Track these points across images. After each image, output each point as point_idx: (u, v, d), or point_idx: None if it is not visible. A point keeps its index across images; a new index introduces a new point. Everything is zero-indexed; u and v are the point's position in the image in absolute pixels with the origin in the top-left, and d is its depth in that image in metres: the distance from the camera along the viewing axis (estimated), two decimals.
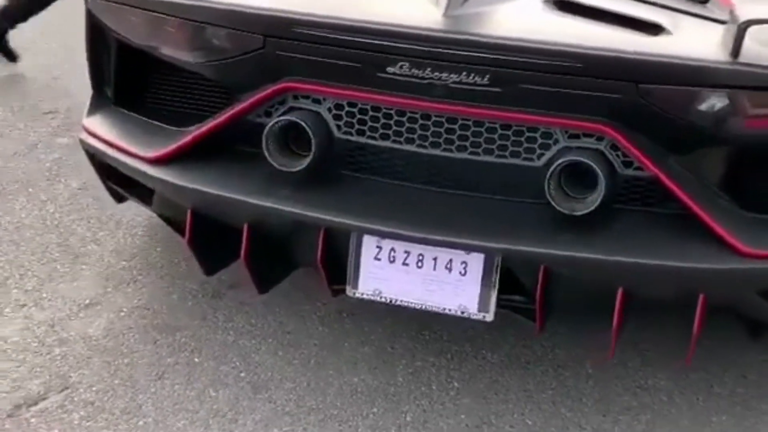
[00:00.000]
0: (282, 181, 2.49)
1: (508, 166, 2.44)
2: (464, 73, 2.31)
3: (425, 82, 2.34)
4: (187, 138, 2.56)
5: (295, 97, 2.53)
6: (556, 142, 2.41)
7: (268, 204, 2.44)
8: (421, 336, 2.94)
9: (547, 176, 2.33)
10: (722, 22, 2.45)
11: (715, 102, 2.29)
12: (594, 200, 2.31)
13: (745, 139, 2.37)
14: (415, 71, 2.33)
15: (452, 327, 2.93)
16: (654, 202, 2.41)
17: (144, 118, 2.78)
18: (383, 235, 2.43)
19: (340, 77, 2.42)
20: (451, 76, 2.32)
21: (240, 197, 2.47)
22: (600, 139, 2.38)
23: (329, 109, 2.51)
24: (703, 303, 2.38)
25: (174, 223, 2.88)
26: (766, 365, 2.88)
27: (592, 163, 2.29)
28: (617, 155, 2.39)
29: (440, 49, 2.31)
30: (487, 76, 2.30)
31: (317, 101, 2.52)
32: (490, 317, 2.48)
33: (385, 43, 2.33)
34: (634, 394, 2.73)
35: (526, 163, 2.42)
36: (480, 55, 2.29)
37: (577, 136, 2.39)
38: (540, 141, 2.42)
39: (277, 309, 3.03)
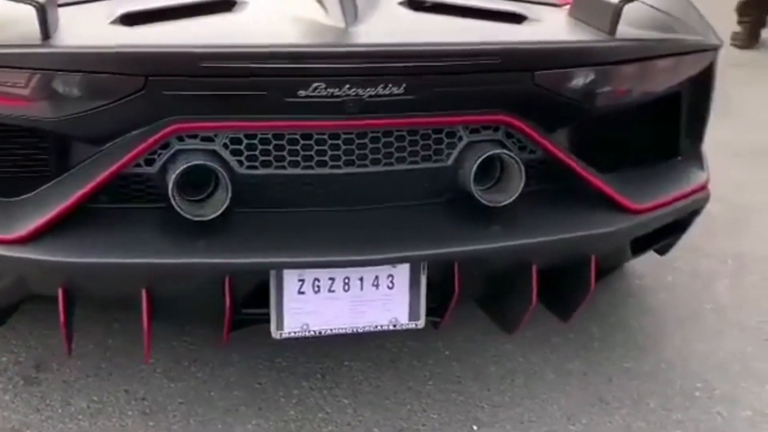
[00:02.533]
0: (187, 232, 2.30)
1: (420, 172, 2.44)
2: (381, 85, 2.27)
3: (340, 100, 2.28)
4: (62, 205, 2.23)
5: (180, 139, 2.33)
6: (461, 139, 2.47)
7: (190, 260, 2.25)
8: (277, 363, 2.92)
9: (471, 172, 2.37)
10: (553, 5, 2.67)
11: (596, 78, 2.47)
12: (516, 188, 2.40)
13: (614, 108, 2.59)
14: (331, 90, 2.25)
15: (303, 347, 2.93)
16: (549, 180, 2.56)
17: None
18: (306, 266, 2.36)
19: (241, 109, 2.27)
20: (368, 90, 2.27)
21: (151, 260, 2.24)
22: (496, 129, 2.48)
23: (225, 146, 2.34)
24: (595, 264, 2.59)
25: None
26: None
27: (511, 154, 2.39)
28: (513, 142, 2.51)
29: (358, 64, 2.25)
30: (404, 85, 2.28)
31: (208, 139, 2.34)
32: (421, 324, 2.51)
33: (301, 65, 2.22)
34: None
35: (437, 165, 2.44)
36: (399, 65, 2.27)
37: (477, 131, 2.48)
38: (446, 141, 2.46)
39: (107, 378, 2.82)
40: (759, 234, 3.98)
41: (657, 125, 2.83)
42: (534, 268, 2.52)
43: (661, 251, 3.08)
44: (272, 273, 2.37)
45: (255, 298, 2.44)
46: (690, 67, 2.69)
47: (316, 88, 2.25)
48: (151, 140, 2.26)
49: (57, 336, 2.87)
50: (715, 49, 2.75)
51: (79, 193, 2.24)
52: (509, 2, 2.67)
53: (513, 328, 2.69)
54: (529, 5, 2.67)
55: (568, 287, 2.64)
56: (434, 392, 2.86)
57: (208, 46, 2.18)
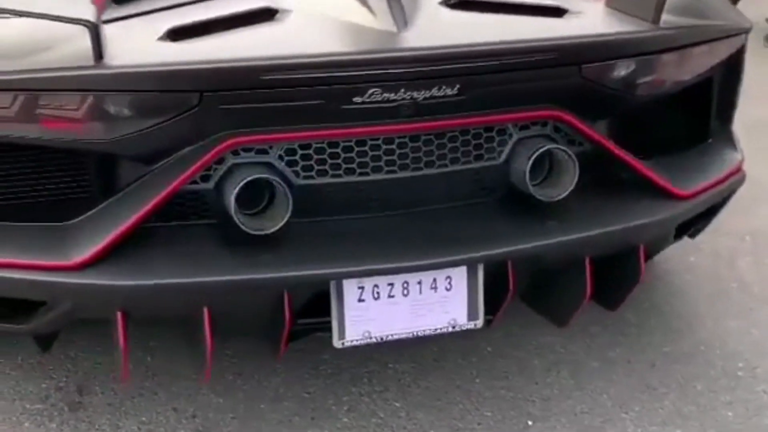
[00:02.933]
0: (245, 247, 2.28)
1: (472, 171, 2.46)
2: (435, 88, 2.27)
3: (396, 104, 2.26)
4: (122, 227, 2.19)
5: (235, 153, 2.30)
6: (511, 136, 2.47)
7: (253, 276, 2.22)
8: (323, 371, 2.89)
9: (525, 168, 2.38)
10: None
11: (640, 67, 2.49)
12: (570, 182, 2.42)
13: (654, 96, 2.60)
14: (387, 95, 2.24)
15: (345, 353, 2.77)
16: (597, 172, 2.57)
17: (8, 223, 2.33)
18: (366, 275, 2.34)
19: (298, 119, 2.25)
20: (422, 93, 2.27)
21: (214, 278, 2.20)
22: (545, 124, 2.49)
23: (280, 157, 2.32)
24: (644, 252, 2.63)
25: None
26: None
27: (564, 148, 2.40)
28: (561, 136, 2.52)
29: (414, 68, 2.24)
30: (457, 85, 2.28)
31: (263, 152, 2.32)
32: (480, 323, 2.51)
33: (359, 72, 2.21)
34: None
35: (488, 163, 2.45)
36: (451, 66, 2.26)
37: (526, 127, 2.48)
38: (497, 139, 2.47)
39: (153, 398, 2.77)
40: None
41: (689, 110, 2.85)
42: (587, 261, 2.54)
43: (693, 234, 3.12)
44: (332, 283, 2.35)
45: (312, 308, 2.43)
46: (724, 51, 2.71)
47: (372, 94, 2.24)
48: (208, 156, 2.23)
49: (94, 358, 2.94)
50: (746, 32, 2.78)
51: (139, 213, 2.21)
52: None
53: (565, 321, 2.69)
54: None
55: (617, 277, 2.66)
56: (483, 390, 2.87)
57: (267, 58, 2.16)
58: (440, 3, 2.54)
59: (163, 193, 2.22)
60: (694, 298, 3.37)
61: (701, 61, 2.65)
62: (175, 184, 2.22)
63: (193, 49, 2.22)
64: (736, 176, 2.81)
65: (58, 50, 2.18)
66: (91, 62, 2.11)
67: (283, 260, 2.29)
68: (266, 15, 2.40)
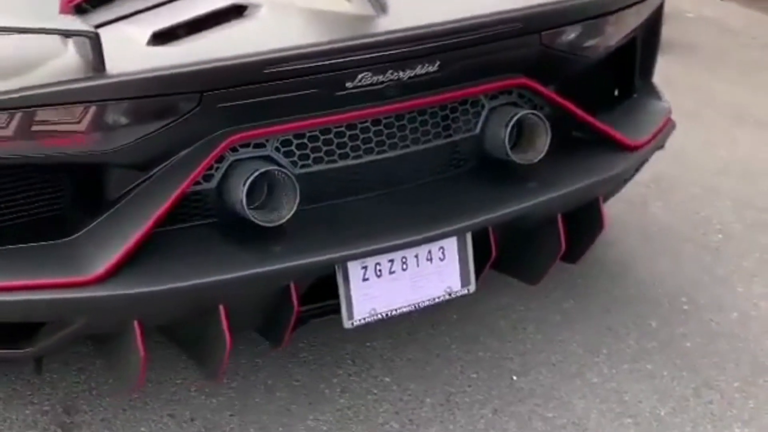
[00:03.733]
0: (251, 240, 2.32)
1: (453, 144, 2.58)
2: (419, 66, 2.37)
3: (383, 86, 2.35)
4: (137, 234, 2.18)
5: (233, 150, 2.32)
6: (483, 107, 2.60)
7: (269, 267, 2.26)
8: (303, 357, 2.91)
9: (505, 135, 2.52)
10: None
11: (591, 30, 2.66)
12: (544, 144, 2.57)
13: (596, 56, 2.77)
14: (376, 78, 2.33)
15: (318, 337, 2.96)
16: (559, 132, 2.71)
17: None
18: (370, 255, 2.41)
19: (294, 109, 2.31)
20: (407, 72, 2.36)
21: (231, 274, 2.23)
22: (510, 92, 2.63)
23: (277, 149, 2.37)
24: (601, 201, 2.83)
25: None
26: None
27: (538, 113, 2.55)
28: (525, 101, 2.66)
29: (400, 49, 2.33)
30: (437, 62, 2.39)
31: (260, 146, 2.36)
32: (473, 288, 2.62)
33: (349, 58, 2.28)
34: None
35: (467, 134, 2.58)
36: (433, 44, 2.36)
37: (495, 96, 2.61)
38: (472, 111, 2.59)
39: (145, 408, 2.74)
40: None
41: (617, 68, 3.05)
42: (560, 218, 2.70)
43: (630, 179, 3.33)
44: (338, 267, 2.42)
45: (314, 294, 2.50)
46: (650, 8, 2.92)
47: (362, 78, 2.32)
48: (211, 155, 2.25)
49: (69, 378, 2.87)
50: None
51: (150, 220, 2.21)
52: None
53: (538, 279, 2.84)
54: None
55: (580, 229, 2.82)
56: (461, 354, 3.00)
57: (266, 53, 2.20)
58: None
59: (172, 197, 2.23)
60: (625, 245, 3.59)
61: (635, 19, 2.84)
62: (182, 187, 2.24)
63: (186, 51, 2.24)
64: (670, 124, 3.04)
65: (50, 64, 2.15)
66: (92, 73, 2.11)
67: (293, 249, 2.34)
68: (237, 11, 2.44)
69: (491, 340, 3.07)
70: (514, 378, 2.91)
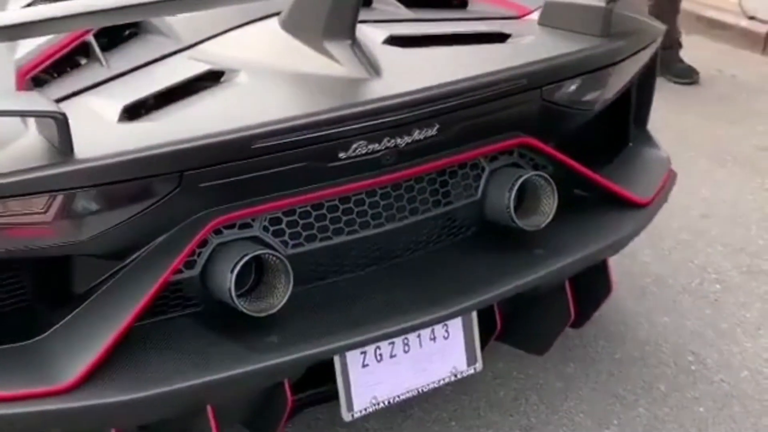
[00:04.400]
0: (240, 333, 2.08)
1: (453, 212, 2.37)
2: (417, 131, 2.18)
3: (380, 154, 2.15)
4: (113, 334, 1.93)
5: (217, 232, 2.09)
6: (483, 169, 2.40)
7: (259, 365, 2.01)
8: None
9: (509, 199, 2.32)
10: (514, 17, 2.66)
11: (594, 82, 2.48)
12: (551, 207, 2.38)
13: (600, 108, 2.61)
14: (372, 146, 2.13)
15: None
16: (563, 192, 2.51)
17: None
18: (369, 343, 2.19)
19: (284, 185, 2.09)
20: (405, 138, 2.17)
21: (223, 374, 1.98)
22: (511, 153, 2.44)
23: (265, 229, 2.14)
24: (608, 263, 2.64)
25: None
26: None
27: (542, 174, 2.36)
28: (527, 161, 2.47)
29: (398, 115, 2.13)
30: (436, 125, 2.20)
31: (246, 226, 2.13)
32: (479, 366, 2.41)
33: (342, 128, 2.07)
34: None
35: (469, 200, 2.37)
36: (431, 107, 2.17)
37: (495, 158, 2.41)
38: (472, 174, 2.39)
39: None
40: None
41: (613, 117, 2.88)
42: (567, 284, 2.51)
43: None
44: (336, 357, 2.20)
45: (311, 378, 2.27)
46: (646, 56, 2.77)
47: (357, 147, 2.12)
48: (194, 240, 2.03)
49: None
50: (661, 35, 2.83)
51: (129, 316, 1.97)
52: (475, 22, 2.63)
53: (545, 349, 2.65)
54: (496, 21, 2.64)
55: (587, 293, 2.64)
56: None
57: (254, 127, 1.98)
58: (385, 42, 2.44)
59: (152, 290, 1.99)
60: (619, 300, 3.39)
61: (635, 67, 2.68)
62: (162, 277, 2.00)
63: (162, 127, 2.02)
64: (672, 176, 2.88)
65: (10, 149, 1.90)
66: (59, 158, 1.88)
67: (287, 342, 2.10)
68: (213, 78, 2.24)
69: (492, 414, 2.84)
70: None
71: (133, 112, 2.06)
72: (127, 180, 1.92)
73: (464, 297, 2.27)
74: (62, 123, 1.84)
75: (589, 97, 2.50)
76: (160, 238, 2.04)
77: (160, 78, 2.21)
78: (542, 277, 2.34)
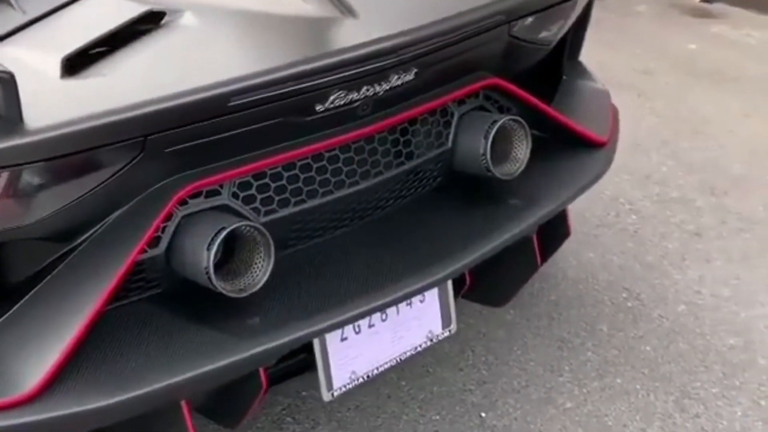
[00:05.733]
0: (216, 314, 1.81)
1: (424, 164, 2.14)
2: (395, 77, 1.92)
3: (356, 104, 1.89)
4: (77, 327, 1.61)
5: (182, 203, 1.78)
6: (452, 115, 2.17)
7: (237, 356, 1.72)
8: (290, 422, 2.47)
9: (483, 149, 2.10)
10: None
11: (558, 15, 2.28)
12: (525, 153, 2.18)
13: (550, 44, 2.41)
14: (350, 96, 1.86)
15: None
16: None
17: None
18: (348, 322, 1.92)
19: (252, 146, 1.80)
20: (383, 85, 1.91)
21: (198, 370, 1.69)
22: (477, 95, 2.22)
23: (234, 195, 1.85)
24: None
25: None
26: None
27: (517, 118, 2.15)
28: (492, 103, 2.26)
29: (381, 61, 1.86)
30: (414, 70, 1.94)
31: (214, 193, 1.83)
32: (454, 328, 2.21)
33: (324, 78, 1.78)
34: None
35: (441, 149, 2.14)
36: (413, 51, 1.90)
37: (462, 102, 2.19)
38: (442, 120, 2.16)
39: None
40: None
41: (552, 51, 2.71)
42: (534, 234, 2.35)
43: None
44: (316, 341, 1.96)
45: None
46: None
47: (335, 98, 1.85)
48: (161, 213, 1.72)
49: None
50: None
51: (93, 306, 1.64)
52: None
53: (506, 300, 2.48)
54: None
55: (545, 237, 2.48)
56: (415, 392, 2.57)
57: (233, 81, 1.67)
58: None
59: (119, 273, 1.67)
60: None
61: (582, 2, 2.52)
62: (130, 257, 1.68)
63: (115, 84, 1.69)
64: (615, 109, 2.74)
65: None
66: (8, 129, 1.53)
67: (269, 324, 1.82)
68: (153, 20, 1.91)
69: (441, 370, 2.67)
70: (483, 415, 2.54)
71: (76, 65, 1.72)
72: (84, 150, 1.59)
73: (447, 262, 2.03)
74: (9, 84, 1.51)
75: (551, 31, 2.31)
76: (119, 212, 1.72)
77: (91, 22, 1.85)
78: (523, 231, 2.15)
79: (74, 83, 1.68)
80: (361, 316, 1.92)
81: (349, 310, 1.90)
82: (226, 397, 2.01)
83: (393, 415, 2.53)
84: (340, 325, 1.90)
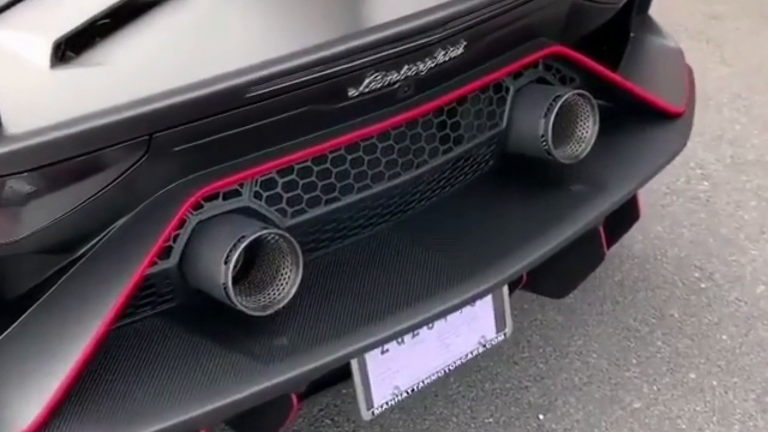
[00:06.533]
0: (238, 333, 1.60)
1: (477, 147, 1.89)
2: (440, 52, 1.67)
3: (396, 86, 1.65)
4: (75, 359, 1.40)
5: (196, 207, 1.56)
6: (507, 90, 1.92)
7: (272, 381, 1.52)
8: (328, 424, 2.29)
9: (543, 129, 1.85)
10: None
11: None
12: (592, 132, 1.93)
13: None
14: (389, 77, 1.62)
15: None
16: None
17: None
18: (390, 339, 1.70)
19: (277, 139, 1.57)
20: (427, 62, 1.66)
21: (221, 402, 1.48)
22: (536, 66, 1.96)
23: (257, 196, 1.62)
24: None
25: None
26: None
27: (583, 92, 1.89)
28: (553, 74, 2.01)
29: (424, 37, 1.61)
30: (463, 43, 1.69)
31: (233, 194, 1.61)
32: (509, 331, 1.99)
33: (357, 59, 1.55)
34: None
35: (494, 131, 1.90)
36: (462, 22, 1.66)
37: (519, 75, 1.94)
38: (495, 97, 1.91)
39: None
40: None
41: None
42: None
43: None
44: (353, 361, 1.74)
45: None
46: None
47: (371, 81, 1.61)
48: (172, 220, 1.50)
49: None
50: None
51: (98, 327, 1.43)
52: None
53: (567, 292, 2.25)
54: None
55: (614, 222, 2.24)
56: (465, 390, 2.35)
57: (251, 70, 1.44)
58: None
59: (124, 291, 1.46)
60: None
61: None
62: (138, 272, 1.47)
63: (114, 74, 1.47)
64: (690, 70, 2.47)
65: None
66: None
67: (299, 343, 1.60)
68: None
69: (494, 364, 2.45)
70: (541, 417, 2.33)
71: (68, 51, 1.50)
72: (78, 155, 1.37)
73: (503, 265, 1.79)
74: None
75: None
76: (122, 221, 1.50)
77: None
78: (589, 223, 1.90)
79: (66, 74, 1.46)
80: (406, 331, 1.69)
81: (392, 326, 1.66)
82: (254, 416, 1.82)
83: (441, 417, 2.31)
84: (382, 342, 1.67)
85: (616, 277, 2.73)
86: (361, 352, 1.65)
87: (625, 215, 2.21)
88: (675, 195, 3.06)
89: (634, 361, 2.47)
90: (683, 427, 2.28)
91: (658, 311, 2.61)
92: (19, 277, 1.54)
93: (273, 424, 1.77)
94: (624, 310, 2.62)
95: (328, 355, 1.58)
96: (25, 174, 1.36)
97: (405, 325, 1.68)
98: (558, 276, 2.15)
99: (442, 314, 1.72)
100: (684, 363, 2.45)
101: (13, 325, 1.50)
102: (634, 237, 2.87)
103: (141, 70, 1.50)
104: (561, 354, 2.48)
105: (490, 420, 2.31)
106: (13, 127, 1.32)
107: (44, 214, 1.42)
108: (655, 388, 2.38)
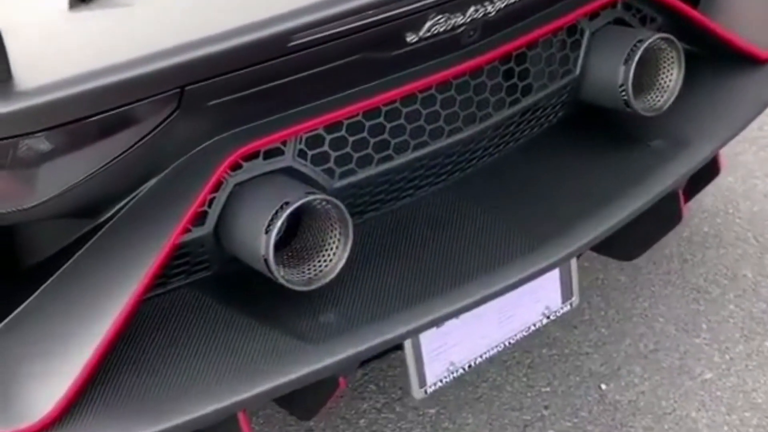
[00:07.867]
0: (283, 308, 1.47)
1: (548, 97, 1.72)
2: None
3: (460, 30, 1.48)
4: (98, 342, 1.27)
5: (234, 167, 1.42)
6: (582, 33, 1.75)
7: (328, 361, 1.38)
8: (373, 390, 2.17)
9: (624, 77, 1.67)
10: None
11: None
12: (677, 81, 1.75)
13: None
14: (453, 20, 1.45)
15: None
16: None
17: None
18: (448, 317, 1.54)
19: (325, 91, 1.42)
20: (495, 3, 1.49)
21: (271, 383, 1.35)
22: (614, 5, 1.78)
23: (301, 154, 1.47)
24: None
25: None
26: None
27: (668, 36, 1.70)
28: (633, 14, 1.83)
29: None
30: None
31: (275, 153, 1.45)
32: (576, 300, 1.84)
33: (416, 2, 1.38)
34: None
35: (566, 78, 1.73)
36: None
37: (596, 15, 1.76)
38: (569, 41, 1.73)
39: None
40: None
41: None
42: None
43: None
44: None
45: None
46: None
47: (433, 25, 1.46)
48: (207, 182, 1.35)
49: None
50: None
51: (124, 303, 1.29)
52: None
53: (639, 254, 2.10)
54: None
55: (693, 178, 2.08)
56: (520, 357, 2.21)
57: (295, 14, 1.28)
58: None
59: (154, 262, 1.31)
60: None
61: None
62: (167, 242, 1.32)
63: (139, 16, 1.31)
64: None
65: None
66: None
67: (346, 321, 1.45)
68: None
69: (553, 328, 2.30)
70: (603, 387, 2.21)
71: None
72: (102, 112, 1.22)
73: (575, 234, 1.62)
74: None
75: None
76: (152, 183, 1.35)
77: None
78: (670, 186, 1.71)
79: (87, 16, 1.30)
80: (465, 309, 1.53)
81: (451, 304, 1.51)
82: (295, 394, 1.70)
83: (494, 386, 2.18)
84: (438, 321, 1.52)
85: (684, 233, 2.57)
86: (416, 333, 1.50)
87: (704, 170, 2.06)
88: (748, 143, 2.87)
89: (704, 326, 2.33)
90: (759, 401, 2.14)
91: (730, 271, 2.45)
92: (38, 246, 1.42)
93: (316, 403, 1.66)
94: (693, 270, 2.47)
95: (380, 335, 1.44)
96: (41, 134, 1.22)
97: (465, 302, 1.53)
98: (631, 238, 1.98)
99: (507, 290, 1.56)
100: (759, 329, 2.30)
101: (31, 297, 1.38)
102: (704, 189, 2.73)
103: (172, 12, 1.33)
104: (624, 317, 2.34)
105: (548, 389, 2.19)
106: (25, 82, 1.19)
107: (64, 176, 1.27)
108: (727, 357, 2.24)
